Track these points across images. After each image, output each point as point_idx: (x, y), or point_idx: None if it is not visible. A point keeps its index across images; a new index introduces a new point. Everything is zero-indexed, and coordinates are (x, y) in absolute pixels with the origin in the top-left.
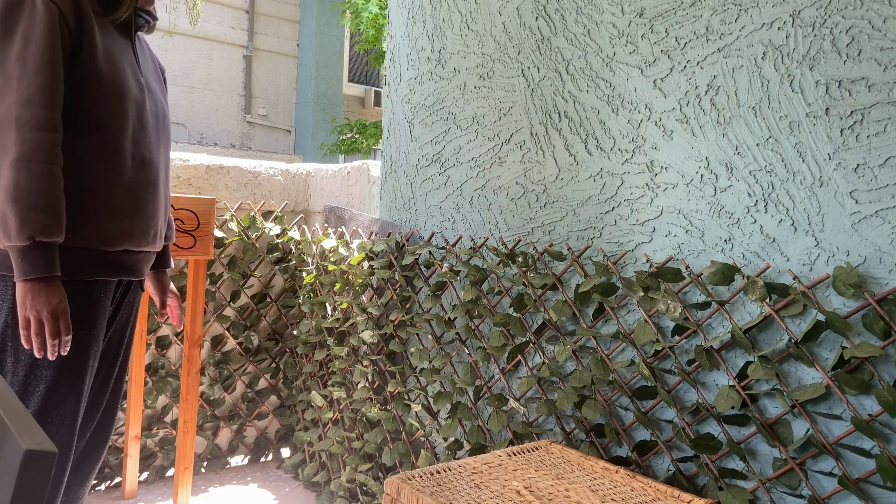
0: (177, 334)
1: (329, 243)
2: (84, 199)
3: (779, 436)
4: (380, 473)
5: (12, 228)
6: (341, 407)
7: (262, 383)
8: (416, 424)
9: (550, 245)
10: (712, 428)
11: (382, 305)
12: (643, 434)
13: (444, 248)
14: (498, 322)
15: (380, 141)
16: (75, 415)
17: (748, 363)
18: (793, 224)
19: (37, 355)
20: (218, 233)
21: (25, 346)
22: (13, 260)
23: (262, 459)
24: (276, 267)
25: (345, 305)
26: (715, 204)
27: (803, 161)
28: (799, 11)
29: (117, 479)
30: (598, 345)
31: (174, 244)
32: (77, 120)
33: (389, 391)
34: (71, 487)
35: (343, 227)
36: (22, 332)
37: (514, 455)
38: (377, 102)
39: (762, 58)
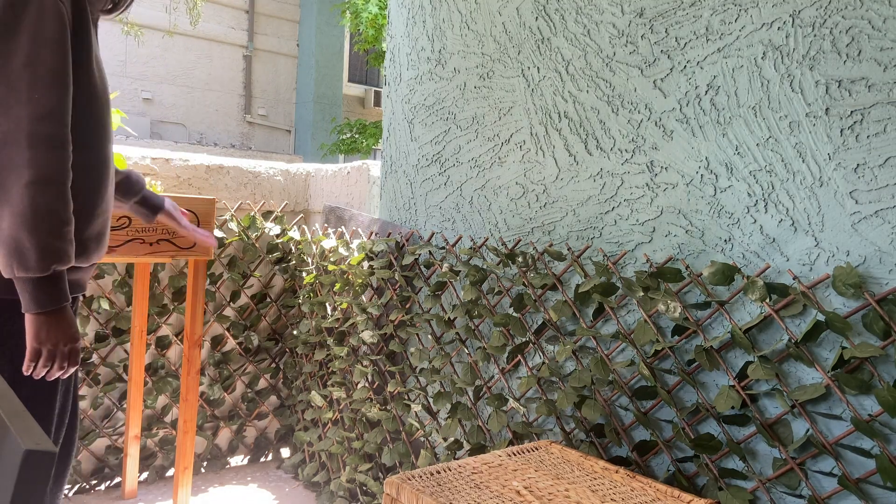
0: (177, 334)
1: (329, 243)
2: (78, 217)
3: (779, 436)
4: (380, 473)
5: (31, 259)
6: (341, 407)
7: (262, 383)
8: (416, 424)
9: (550, 245)
10: (712, 428)
11: (382, 305)
12: (643, 434)
13: (443, 248)
14: (498, 322)
15: (380, 141)
16: (48, 427)
17: (748, 363)
18: (793, 224)
19: (34, 377)
20: (218, 233)
21: (25, 373)
22: (25, 290)
23: (262, 459)
24: (276, 267)
25: (345, 305)
26: (715, 204)
27: (803, 161)
28: (799, 11)
29: (117, 479)
30: (598, 345)
31: (172, 242)
32: (76, 133)
33: (389, 391)
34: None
35: (343, 227)
36: (27, 363)
37: (514, 455)
38: (377, 102)
39: (762, 58)
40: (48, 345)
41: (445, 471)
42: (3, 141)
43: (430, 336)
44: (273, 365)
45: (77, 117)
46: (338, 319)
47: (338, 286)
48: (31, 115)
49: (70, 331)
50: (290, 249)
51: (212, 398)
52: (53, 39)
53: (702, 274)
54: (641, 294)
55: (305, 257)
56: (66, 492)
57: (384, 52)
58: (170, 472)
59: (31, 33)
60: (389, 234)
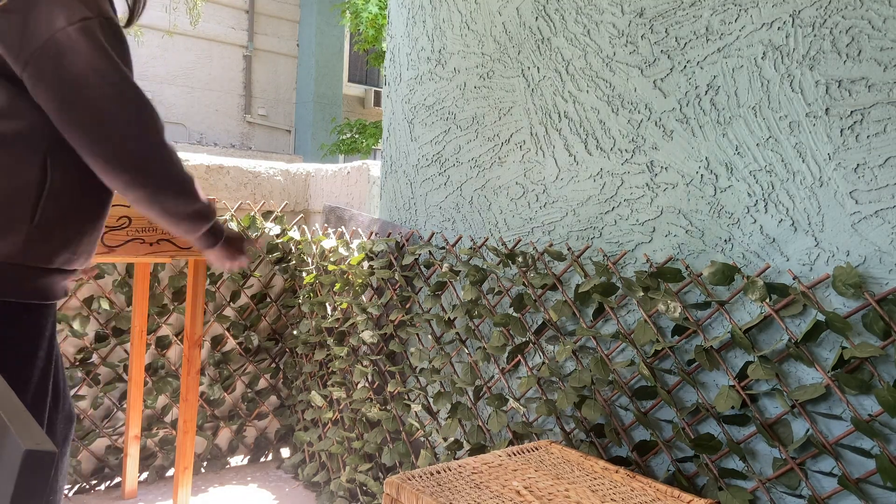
0: (177, 334)
1: (329, 243)
2: (91, 222)
3: (779, 436)
4: (380, 473)
5: (203, 214)
6: (341, 407)
7: (262, 383)
8: (416, 424)
9: (550, 245)
10: (712, 428)
11: (382, 305)
12: (643, 434)
13: (444, 248)
14: (498, 322)
15: (380, 141)
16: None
17: (748, 363)
18: (793, 224)
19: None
20: None
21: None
22: (201, 239)
23: (262, 459)
24: (276, 267)
25: (345, 305)
26: (715, 204)
27: (803, 161)
28: (799, 11)
29: (117, 479)
30: (598, 345)
31: (172, 242)
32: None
33: (389, 391)
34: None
35: (343, 227)
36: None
37: (514, 455)
38: (377, 102)
39: (762, 58)
40: (229, 262)
41: (445, 471)
42: (110, 163)
43: (430, 336)
44: (273, 365)
45: None
46: (338, 319)
47: (338, 286)
48: (123, 120)
49: (239, 243)
50: (290, 249)
51: (212, 398)
52: (106, 47)
53: (702, 274)
54: (641, 294)
55: (305, 257)
56: (66, 492)
57: (384, 52)
58: (170, 472)
59: (95, 46)
60: (389, 234)
